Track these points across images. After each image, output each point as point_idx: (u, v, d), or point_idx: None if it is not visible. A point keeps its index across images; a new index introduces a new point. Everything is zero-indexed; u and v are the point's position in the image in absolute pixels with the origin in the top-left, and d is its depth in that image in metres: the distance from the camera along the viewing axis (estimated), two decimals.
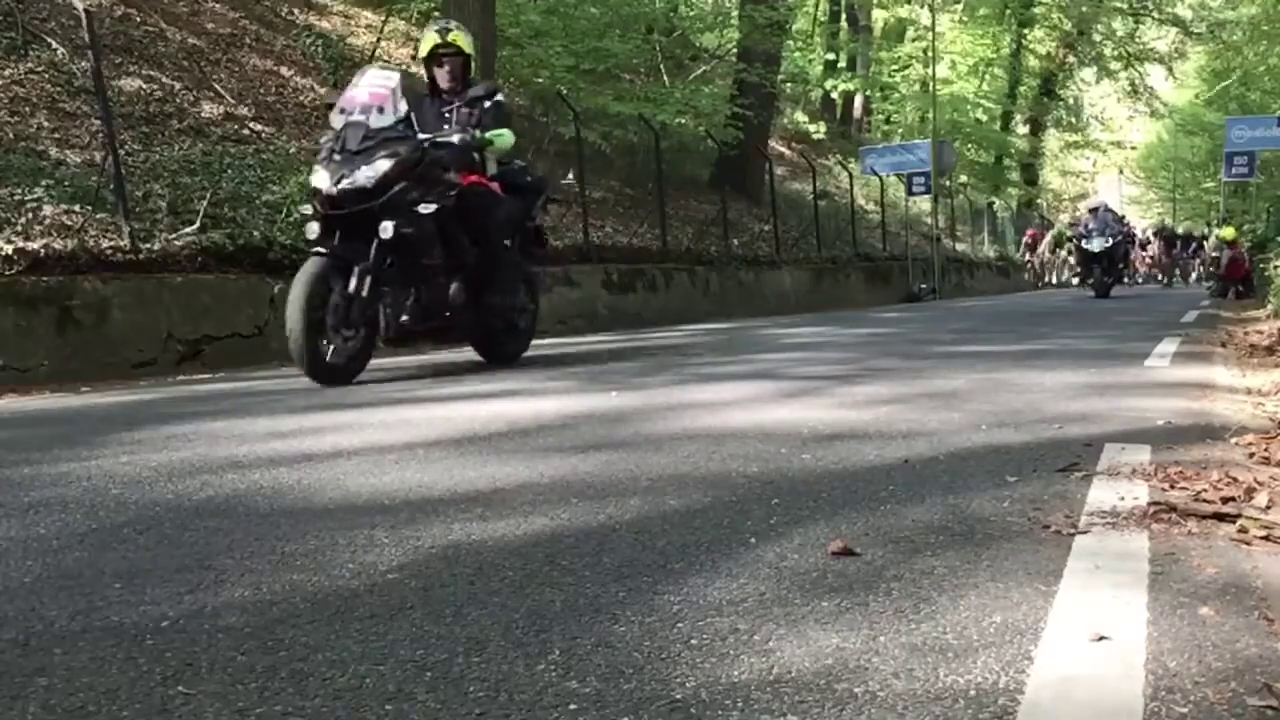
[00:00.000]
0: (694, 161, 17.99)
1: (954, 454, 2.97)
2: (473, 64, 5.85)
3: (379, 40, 13.81)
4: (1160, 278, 26.92)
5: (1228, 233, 19.82)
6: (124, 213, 7.03)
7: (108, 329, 6.51)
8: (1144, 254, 26.95)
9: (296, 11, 13.73)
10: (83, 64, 8.40)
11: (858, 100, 28.38)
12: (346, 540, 2.12)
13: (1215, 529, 2.16)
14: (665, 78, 17.63)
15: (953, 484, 2.58)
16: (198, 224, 7.59)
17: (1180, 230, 28.93)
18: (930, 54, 22.64)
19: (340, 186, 4.78)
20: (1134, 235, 24.50)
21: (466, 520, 2.27)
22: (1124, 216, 20.36)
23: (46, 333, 6.20)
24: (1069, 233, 21.41)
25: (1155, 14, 29.98)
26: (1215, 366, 5.60)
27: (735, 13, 20.07)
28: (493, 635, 1.58)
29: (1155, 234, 28.30)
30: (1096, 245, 15.71)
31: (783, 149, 23.64)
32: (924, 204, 22.80)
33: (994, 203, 30.48)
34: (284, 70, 11.73)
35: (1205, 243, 25.71)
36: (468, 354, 7.12)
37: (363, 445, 3.25)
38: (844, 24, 26.22)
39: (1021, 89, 31.89)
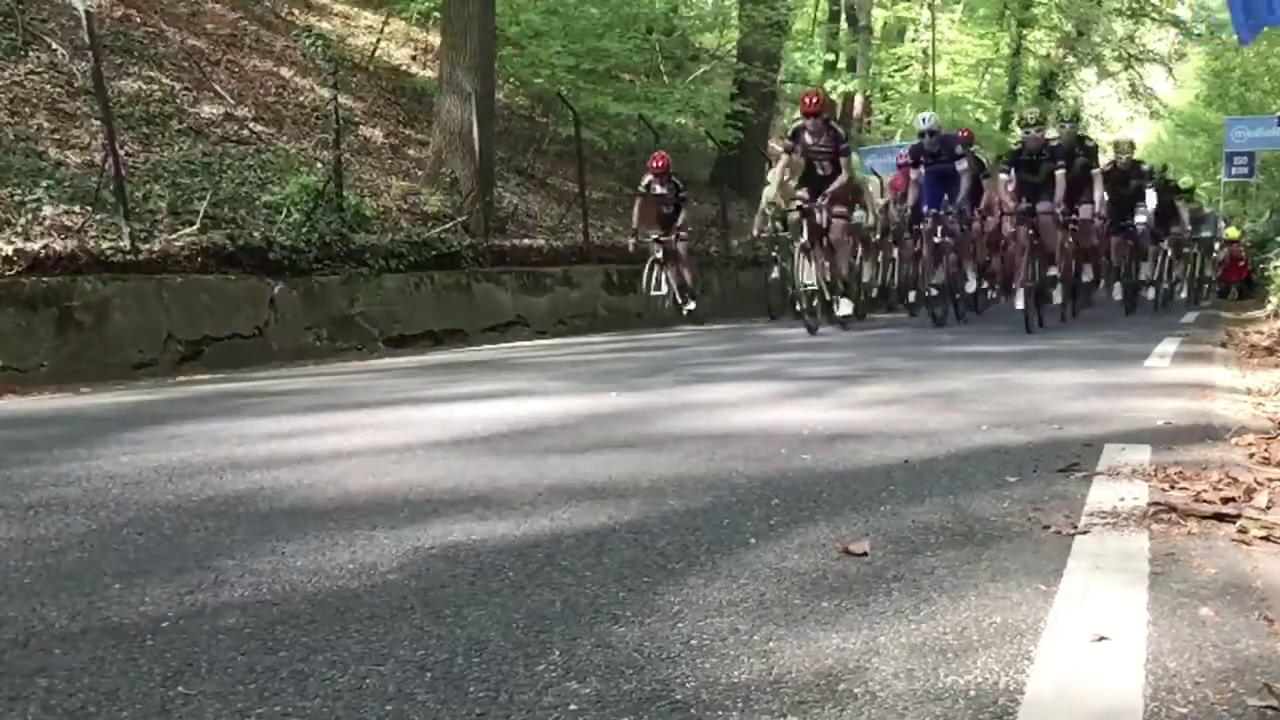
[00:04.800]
0: (694, 161, 17.98)
1: (954, 454, 2.97)
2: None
3: (379, 41, 13.81)
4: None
5: (1232, 232, 19.70)
6: (124, 213, 7.03)
7: (108, 330, 6.51)
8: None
9: (296, 12, 13.73)
10: (83, 65, 8.40)
11: (858, 100, 28.38)
12: (346, 540, 2.12)
13: (1215, 529, 2.16)
14: (665, 78, 17.63)
15: (953, 484, 2.58)
16: (198, 224, 7.59)
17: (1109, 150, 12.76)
18: (930, 54, 22.66)
19: None
20: None
21: (466, 520, 2.27)
22: None
23: (46, 333, 6.20)
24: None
25: (1154, 15, 30.03)
26: (1215, 366, 5.60)
27: (735, 13, 20.08)
28: (493, 636, 1.58)
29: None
30: None
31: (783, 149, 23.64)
32: None
33: None
34: (284, 71, 11.73)
35: (1181, 201, 12.91)
36: (470, 354, 7.12)
37: (363, 445, 3.25)
38: (844, 24, 26.24)
39: (1021, 89, 31.88)
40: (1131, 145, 11.79)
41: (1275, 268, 11.47)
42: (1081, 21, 29.26)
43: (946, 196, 9.04)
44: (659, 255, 10.66)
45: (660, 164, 11.01)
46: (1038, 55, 31.58)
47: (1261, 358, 6.15)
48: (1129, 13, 29.61)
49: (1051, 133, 10.22)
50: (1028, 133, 9.00)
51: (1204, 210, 17.07)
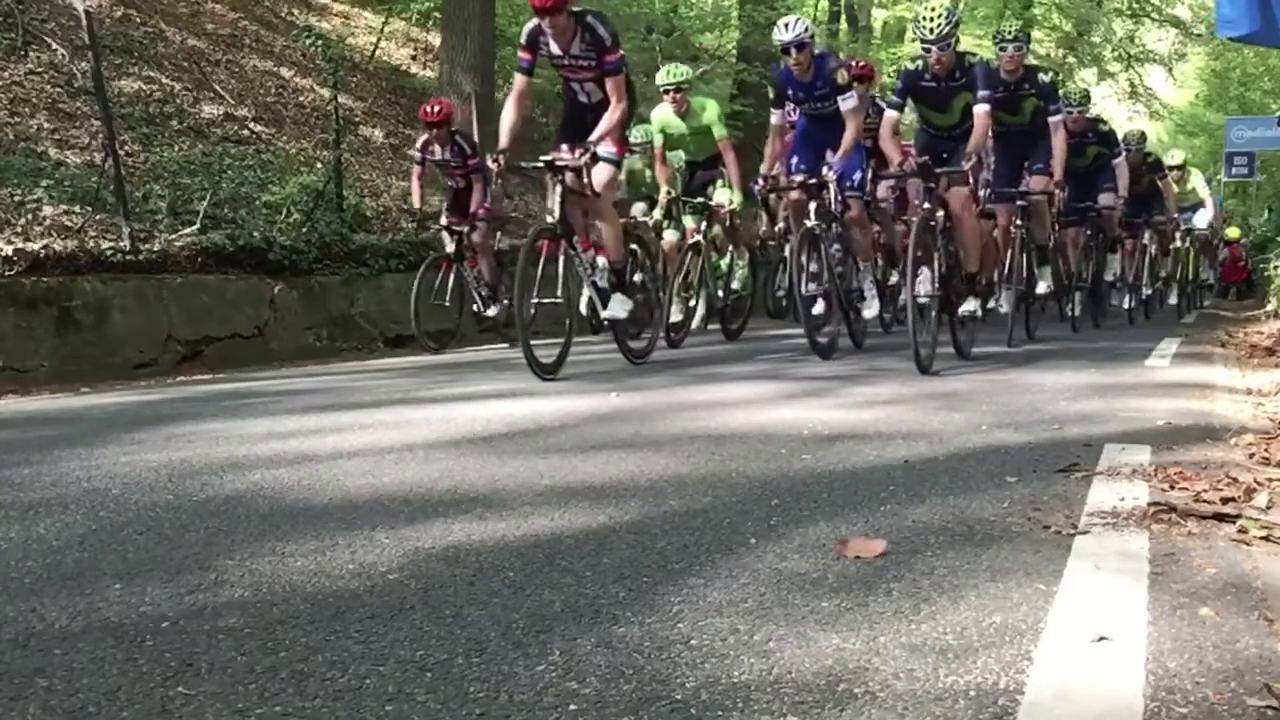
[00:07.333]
0: None
1: (954, 454, 2.97)
2: None
3: (379, 41, 13.81)
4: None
5: (1232, 232, 19.65)
6: (124, 213, 7.03)
7: (108, 330, 6.51)
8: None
9: (296, 12, 13.72)
10: (83, 65, 8.40)
11: None
12: (346, 540, 2.12)
13: (1215, 529, 2.16)
14: None
15: (953, 484, 2.58)
16: (198, 225, 7.59)
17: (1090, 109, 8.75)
18: None
19: None
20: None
21: (466, 520, 2.27)
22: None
23: (46, 333, 6.20)
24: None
25: (1154, 15, 30.05)
26: (1215, 367, 5.61)
27: (735, 13, 20.07)
28: (493, 636, 1.58)
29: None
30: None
31: None
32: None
33: None
34: (284, 71, 11.73)
35: (1165, 182, 10.61)
36: (468, 355, 7.12)
37: (363, 445, 3.25)
38: (844, 24, 26.25)
39: None
40: (1086, 96, 8.40)
41: (1275, 268, 11.46)
42: (1081, 21, 29.27)
43: (830, 154, 5.75)
44: (449, 250, 7.60)
45: (438, 112, 7.46)
46: (1038, 56, 31.56)
47: (1261, 358, 6.15)
48: (1129, 13, 29.62)
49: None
50: (928, 52, 5.44)
51: (1201, 192, 12.27)
